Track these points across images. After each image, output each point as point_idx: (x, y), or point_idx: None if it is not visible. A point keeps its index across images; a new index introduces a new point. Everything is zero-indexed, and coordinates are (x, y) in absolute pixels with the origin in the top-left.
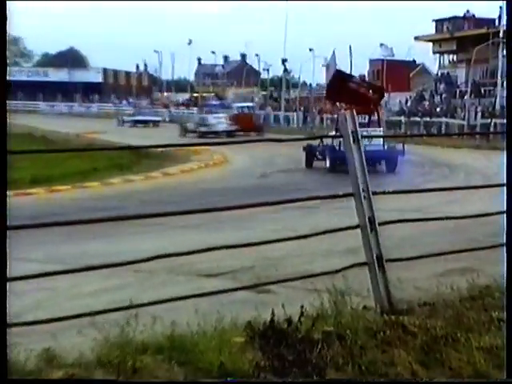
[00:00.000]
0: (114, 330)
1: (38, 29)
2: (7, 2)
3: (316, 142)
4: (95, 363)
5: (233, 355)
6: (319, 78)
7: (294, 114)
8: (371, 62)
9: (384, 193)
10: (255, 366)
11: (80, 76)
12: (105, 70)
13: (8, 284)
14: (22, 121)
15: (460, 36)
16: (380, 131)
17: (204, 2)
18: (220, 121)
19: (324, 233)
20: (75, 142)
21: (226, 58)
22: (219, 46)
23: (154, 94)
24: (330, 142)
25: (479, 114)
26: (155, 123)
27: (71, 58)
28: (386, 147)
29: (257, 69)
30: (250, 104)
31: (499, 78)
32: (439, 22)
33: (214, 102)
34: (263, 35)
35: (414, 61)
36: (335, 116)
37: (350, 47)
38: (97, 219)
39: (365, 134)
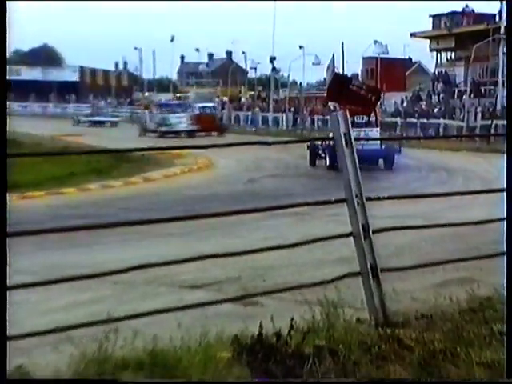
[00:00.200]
0: (92, 346)
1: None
2: (7, 2)
3: (320, 141)
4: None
5: (218, 371)
6: (310, 76)
7: (284, 115)
8: (364, 60)
9: (378, 198)
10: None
11: (55, 75)
12: (81, 69)
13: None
14: None
15: (458, 32)
16: (377, 131)
17: None
18: (181, 120)
19: (315, 241)
20: (49, 145)
21: (210, 55)
22: (203, 42)
23: (134, 94)
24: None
25: (479, 115)
26: (113, 123)
27: (45, 56)
28: (383, 146)
29: (243, 67)
30: (212, 104)
31: (500, 76)
32: (436, 18)
33: (173, 102)
34: (250, 31)
35: (410, 59)
36: (327, 117)
37: (343, 44)
38: (80, 227)
39: (362, 134)
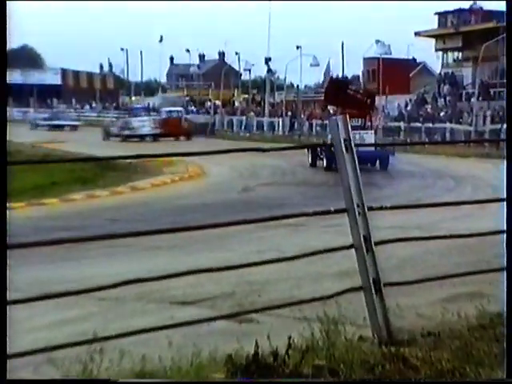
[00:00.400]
0: (76, 367)
1: None
2: (7, 2)
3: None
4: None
5: None
6: (307, 79)
7: (280, 119)
8: (366, 60)
9: (381, 208)
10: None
11: (35, 77)
12: (64, 71)
13: None
14: None
15: (466, 31)
16: (371, 133)
17: None
18: (144, 124)
19: (314, 254)
20: (29, 152)
21: (201, 56)
22: (194, 43)
23: (120, 98)
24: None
25: (488, 119)
26: (73, 127)
27: (25, 57)
28: (378, 148)
29: (237, 69)
30: (179, 108)
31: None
32: (442, 16)
33: (138, 106)
34: (244, 31)
35: (415, 59)
36: (326, 122)
37: (342, 44)
38: (66, 240)
39: (357, 137)
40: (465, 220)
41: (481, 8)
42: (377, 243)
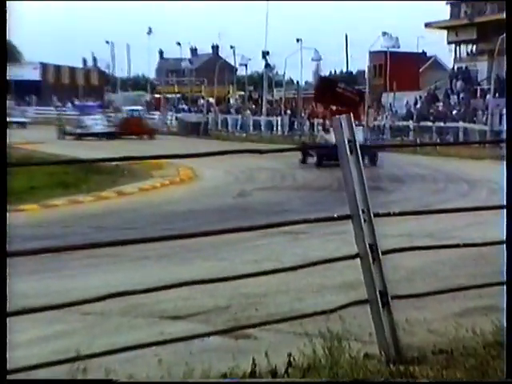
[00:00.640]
0: None
1: None
2: (7, 1)
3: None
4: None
5: None
6: (308, 74)
7: (279, 118)
8: (372, 54)
9: (388, 214)
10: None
11: (12, 73)
12: (44, 66)
13: None
14: None
15: (481, 22)
16: (360, 129)
17: None
18: (97, 122)
19: (315, 264)
20: (8, 153)
21: (194, 50)
22: (186, 35)
23: (106, 95)
24: (319, 140)
25: (505, 118)
26: (21, 125)
27: None
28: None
29: (232, 64)
30: (140, 107)
31: None
32: (455, 5)
33: (91, 104)
34: (239, 23)
35: (425, 53)
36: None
37: (346, 37)
38: (67, 247)
39: None
40: (479, 227)
41: None
42: (384, 252)
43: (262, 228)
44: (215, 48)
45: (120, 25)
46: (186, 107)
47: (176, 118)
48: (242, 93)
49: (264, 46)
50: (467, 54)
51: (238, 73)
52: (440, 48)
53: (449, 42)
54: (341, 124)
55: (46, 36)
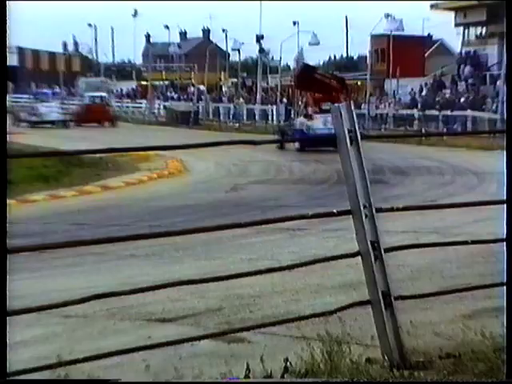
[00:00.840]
0: None
1: None
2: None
3: (287, 126)
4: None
5: None
6: (306, 59)
7: (274, 107)
8: (374, 38)
9: (392, 209)
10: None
11: None
12: (20, 50)
13: None
14: None
15: (491, 2)
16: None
17: None
18: (52, 110)
19: (314, 262)
20: None
21: (183, 34)
22: (174, 18)
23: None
24: (299, 126)
25: None
26: None
27: None
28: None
29: (224, 49)
30: (103, 94)
31: None
32: None
33: (45, 91)
34: (231, 4)
35: (431, 36)
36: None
37: (346, 19)
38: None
39: (329, 119)
40: (488, 223)
41: None
42: (387, 250)
43: (256, 224)
44: (206, 32)
45: (103, 7)
46: (174, 95)
47: (164, 107)
48: (235, 80)
49: (258, 29)
50: (476, 37)
51: (231, 58)
52: (447, 31)
53: (456, 25)
54: (340, 113)
55: (22, 18)
